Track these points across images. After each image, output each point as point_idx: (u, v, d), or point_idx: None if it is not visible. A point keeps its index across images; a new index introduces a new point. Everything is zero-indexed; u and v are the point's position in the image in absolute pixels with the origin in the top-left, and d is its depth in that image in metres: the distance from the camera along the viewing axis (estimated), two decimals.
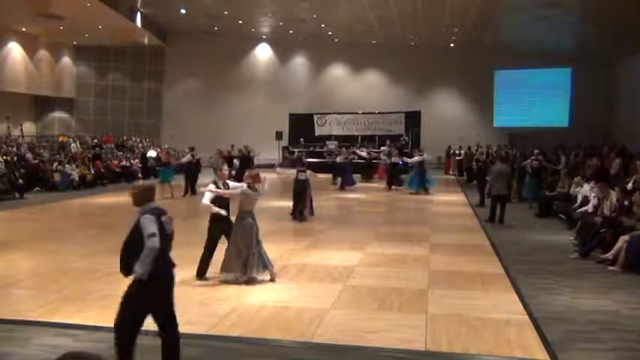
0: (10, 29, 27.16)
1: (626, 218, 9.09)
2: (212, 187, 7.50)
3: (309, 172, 13.25)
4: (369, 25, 25.89)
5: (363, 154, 23.35)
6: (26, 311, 6.12)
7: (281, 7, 24.79)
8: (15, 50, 27.98)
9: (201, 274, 7.49)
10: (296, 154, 24.51)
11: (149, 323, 5.76)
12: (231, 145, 21.76)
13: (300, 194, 12.97)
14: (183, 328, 5.63)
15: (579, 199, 11.97)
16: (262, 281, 7.53)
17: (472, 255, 9.23)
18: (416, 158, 19.07)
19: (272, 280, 7.43)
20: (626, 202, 9.51)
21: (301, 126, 29.04)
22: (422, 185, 18.53)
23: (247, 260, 7.26)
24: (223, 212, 7.46)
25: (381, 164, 23.56)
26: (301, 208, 12.98)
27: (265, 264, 7.46)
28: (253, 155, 23.41)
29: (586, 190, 11.93)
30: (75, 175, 19.50)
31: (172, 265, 4.73)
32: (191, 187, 17.68)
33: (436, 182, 19.56)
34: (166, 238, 4.64)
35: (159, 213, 4.60)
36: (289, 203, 14.41)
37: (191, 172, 17.97)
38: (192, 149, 18.78)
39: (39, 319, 5.84)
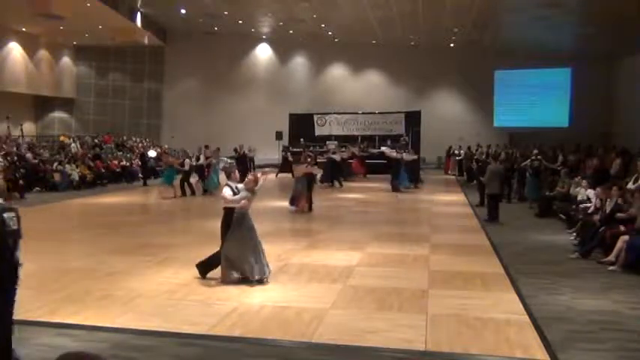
0: (10, 29, 27.16)
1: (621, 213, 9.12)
2: (228, 190, 7.43)
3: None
4: (369, 25, 25.88)
5: (335, 156, 22.34)
6: (26, 311, 6.11)
7: (281, 7, 24.79)
8: (15, 50, 27.98)
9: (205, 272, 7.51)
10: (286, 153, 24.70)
11: (155, 325, 5.78)
12: (217, 148, 20.83)
13: (310, 187, 14.07)
14: (183, 328, 5.65)
15: (579, 199, 11.98)
16: (262, 281, 7.54)
17: (472, 255, 9.22)
18: (393, 154, 19.86)
19: (263, 282, 7.34)
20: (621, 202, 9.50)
21: (301, 126, 29.00)
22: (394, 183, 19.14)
23: (253, 262, 7.25)
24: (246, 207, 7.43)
25: (355, 161, 23.97)
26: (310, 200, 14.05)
27: (267, 265, 7.49)
28: (252, 155, 23.26)
29: (585, 189, 11.94)
30: (75, 175, 19.50)
31: (17, 264, 4.63)
32: (190, 187, 17.78)
33: (407, 184, 19.60)
34: (10, 234, 4.51)
35: (1, 210, 4.52)
36: (288, 204, 14.44)
37: (189, 173, 18.05)
38: (186, 152, 19.01)
39: (39, 319, 5.84)
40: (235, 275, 7.27)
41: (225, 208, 7.48)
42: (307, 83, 32.33)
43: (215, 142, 23.86)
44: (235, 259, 7.26)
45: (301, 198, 14.05)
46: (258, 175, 7.91)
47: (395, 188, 18.85)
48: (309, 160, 14.77)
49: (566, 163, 17.36)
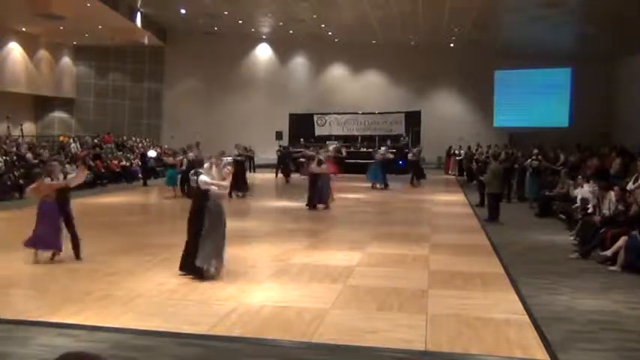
0: (10, 29, 27.14)
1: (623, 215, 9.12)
2: (206, 177, 7.54)
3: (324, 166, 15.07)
4: (369, 25, 25.88)
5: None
6: (26, 311, 6.12)
7: (281, 7, 24.78)
8: (15, 50, 27.96)
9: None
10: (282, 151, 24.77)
11: (155, 325, 5.78)
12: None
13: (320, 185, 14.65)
14: (183, 328, 5.65)
15: (579, 199, 11.97)
16: (262, 281, 7.55)
17: (472, 255, 9.22)
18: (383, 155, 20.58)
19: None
20: (621, 207, 9.48)
21: (301, 126, 29.03)
22: (380, 180, 19.96)
23: (222, 250, 7.49)
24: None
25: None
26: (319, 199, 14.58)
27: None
28: (252, 155, 23.10)
29: (585, 190, 11.93)
30: None
31: None
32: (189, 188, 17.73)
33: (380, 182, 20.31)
34: None
35: None
36: (288, 204, 14.46)
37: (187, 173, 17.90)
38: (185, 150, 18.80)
39: (39, 319, 5.84)
40: (212, 269, 7.38)
41: (202, 192, 7.47)
42: (307, 83, 32.32)
43: (215, 142, 23.83)
44: (217, 250, 7.43)
45: (325, 194, 14.68)
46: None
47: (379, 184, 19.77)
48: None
49: (566, 163, 17.37)
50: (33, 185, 8.67)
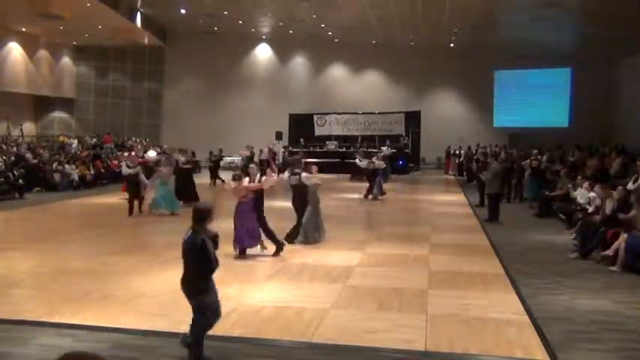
0: (10, 29, 27.16)
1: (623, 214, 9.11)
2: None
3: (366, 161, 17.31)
4: (369, 25, 25.89)
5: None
6: (26, 311, 6.12)
7: (281, 7, 24.79)
8: (15, 50, 27.99)
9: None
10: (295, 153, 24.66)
11: (155, 325, 5.77)
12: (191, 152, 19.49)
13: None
14: (183, 328, 5.64)
15: (579, 200, 11.96)
16: (262, 281, 7.55)
17: (472, 255, 9.23)
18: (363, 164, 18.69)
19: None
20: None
21: (301, 126, 29.03)
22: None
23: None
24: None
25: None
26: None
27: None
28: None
29: (585, 190, 11.92)
30: (75, 175, 19.50)
31: None
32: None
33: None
34: None
35: None
36: (287, 204, 14.44)
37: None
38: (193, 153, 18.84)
39: (39, 319, 5.84)
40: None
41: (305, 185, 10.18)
42: (307, 83, 32.31)
43: (215, 142, 23.93)
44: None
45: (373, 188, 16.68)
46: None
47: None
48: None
49: (559, 161, 17.39)
50: (234, 186, 9.12)
